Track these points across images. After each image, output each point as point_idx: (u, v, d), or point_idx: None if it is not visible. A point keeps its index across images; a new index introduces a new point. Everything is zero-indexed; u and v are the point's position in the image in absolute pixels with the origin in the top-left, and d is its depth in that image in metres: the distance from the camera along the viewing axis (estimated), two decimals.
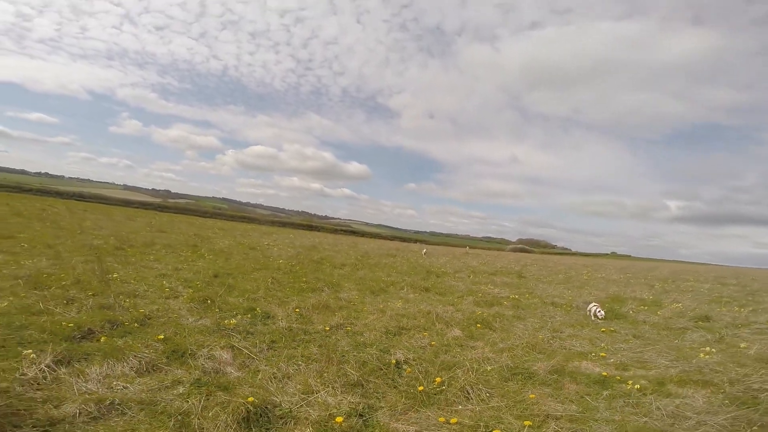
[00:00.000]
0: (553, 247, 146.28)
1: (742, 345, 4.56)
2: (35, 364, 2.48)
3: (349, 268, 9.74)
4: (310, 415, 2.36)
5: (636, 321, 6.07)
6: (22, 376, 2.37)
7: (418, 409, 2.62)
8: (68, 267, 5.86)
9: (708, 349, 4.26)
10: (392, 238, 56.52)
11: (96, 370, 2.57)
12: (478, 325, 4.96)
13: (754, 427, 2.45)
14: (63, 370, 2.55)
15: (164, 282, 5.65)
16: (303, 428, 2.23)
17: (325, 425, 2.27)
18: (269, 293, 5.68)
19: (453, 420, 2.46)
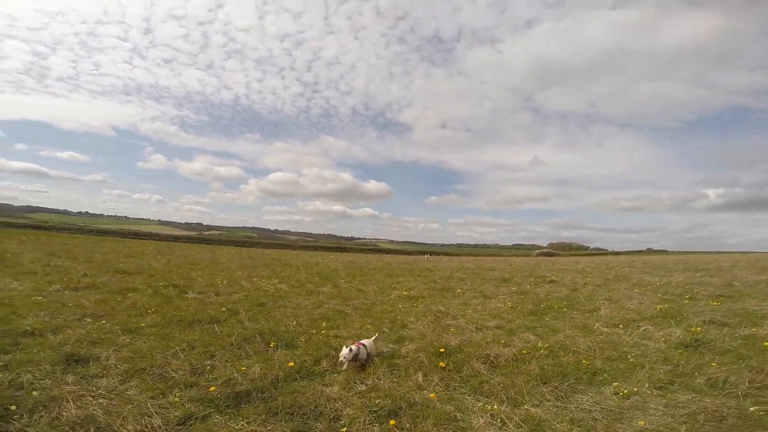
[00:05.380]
0: (586, 248, 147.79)
1: (514, 287, 12.44)
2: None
3: (377, 270, 18.08)
4: (372, 290, 10.69)
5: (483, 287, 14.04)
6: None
7: (397, 284, 10.91)
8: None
9: (507, 289, 12.23)
10: (415, 253, 64.45)
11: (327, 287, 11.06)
12: (431, 284, 13.16)
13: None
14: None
15: (300, 277, 14.18)
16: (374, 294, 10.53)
17: (385, 293, 10.61)
18: (347, 278, 14.08)
19: (406, 293, 10.70)
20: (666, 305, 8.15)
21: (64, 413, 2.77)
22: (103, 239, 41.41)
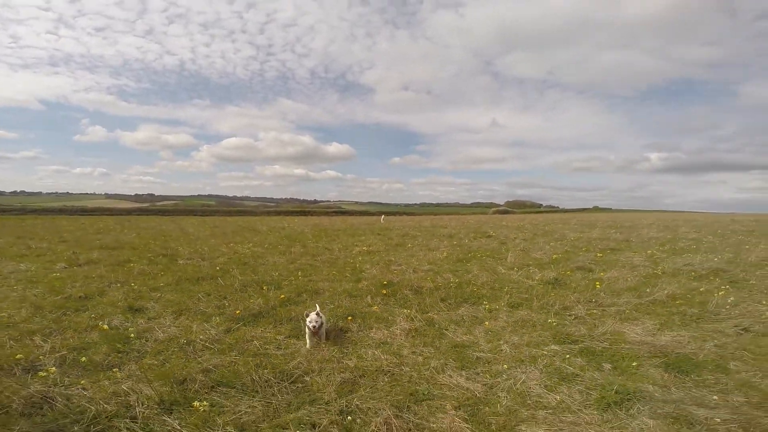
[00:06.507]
0: (539, 206, 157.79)
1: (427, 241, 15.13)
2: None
3: (341, 231, 20.20)
4: (337, 248, 12.86)
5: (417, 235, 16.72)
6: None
7: (359, 242, 13.15)
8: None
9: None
10: (378, 214, 67.10)
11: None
12: (388, 240, 15.51)
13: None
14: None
15: (271, 240, 16.01)
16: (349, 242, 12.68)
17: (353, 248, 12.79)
18: (314, 239, 16.06)
19: (366, 248, 12.95)
20: (562, 255, 10.86)
21: (159, 336, 4.67)
22: (54, 218, 39.96)
